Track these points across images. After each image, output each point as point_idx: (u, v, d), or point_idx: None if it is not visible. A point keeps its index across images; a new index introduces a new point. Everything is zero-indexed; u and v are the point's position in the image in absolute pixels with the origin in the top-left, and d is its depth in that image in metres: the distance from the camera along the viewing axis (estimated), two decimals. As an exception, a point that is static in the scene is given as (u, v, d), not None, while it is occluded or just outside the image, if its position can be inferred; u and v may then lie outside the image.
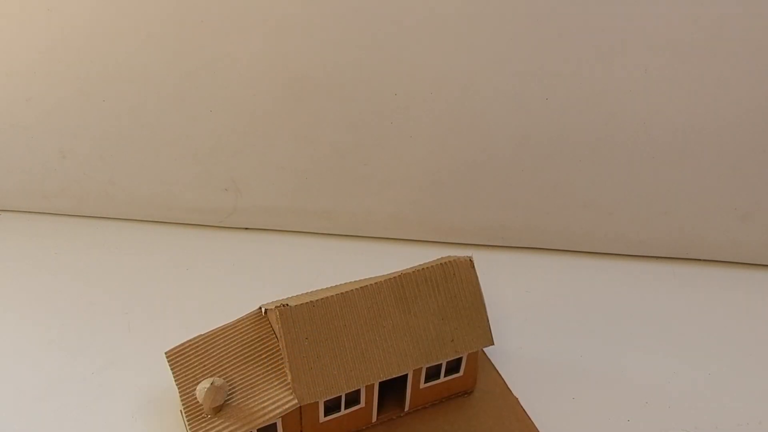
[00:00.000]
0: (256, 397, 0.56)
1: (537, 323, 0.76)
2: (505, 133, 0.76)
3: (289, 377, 0.55)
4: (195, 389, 0.56)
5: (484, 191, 0.81)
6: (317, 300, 0.56)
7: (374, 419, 0.62)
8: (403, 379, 0.60)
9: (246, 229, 0.90)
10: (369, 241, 0.88)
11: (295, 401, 0.54)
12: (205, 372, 0.58)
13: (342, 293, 0.57)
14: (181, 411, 0.59)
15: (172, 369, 0.60)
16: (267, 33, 0.71)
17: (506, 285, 0.80)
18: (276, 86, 0.75)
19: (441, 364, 0.61)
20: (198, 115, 0.78)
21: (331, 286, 0.64)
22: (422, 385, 0.62)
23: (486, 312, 0.60)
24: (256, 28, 0.71)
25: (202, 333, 0.62)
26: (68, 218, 0.91)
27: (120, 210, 0.90)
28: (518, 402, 0.65)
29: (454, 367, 0.62)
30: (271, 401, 0.55)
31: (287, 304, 0.55)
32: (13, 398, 0.67)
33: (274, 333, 0.60)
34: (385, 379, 0.57)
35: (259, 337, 0.61)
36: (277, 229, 0.89)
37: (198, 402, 0.55)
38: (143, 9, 0.71)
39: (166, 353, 0.61)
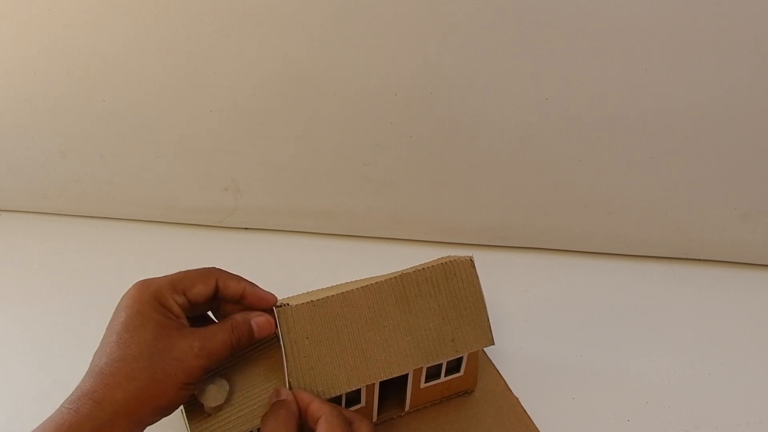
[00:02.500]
0: (256, 397, 0.56)
1: (537, 323, 0.76)
2: (505, 133, 0.76)
3: (290, 377, 0.55)
4: (195, 389, 0.56)
5: (484, 191, 0.81)
6: (318, 299, 0.56)
7: (374, 419, 0.62)
8: (404, 378, 0.60)
9: (246, 229, 0.90)
10: (369, 241, 0.88)
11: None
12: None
13: (343, 293, 0.57)
14: (181, 411, 0.59)
15: (172, 369, 0.60)
16: (267, 32, 0.71)
17: (506, 285, 0.80)
18: (276, 86, 0.75)
19: (441, 364, 0.61)
20: (198, 115, 0.78)
21: (332, 286, 0.63)
22: (423, 385, 0.61)
23: (486, 312, 0.60)
24: (255, 28, 0.71)
25: (203, 333, 0.61)
26: (68, 218, 0.91)
27: (120, 210, 0.90)
28: (519, 402, 0.65)
29: (454, 366, 0.62)
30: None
31: (287, 304, 0.55)
32: (13, 398, 0.66)
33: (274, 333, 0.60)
34: (385, 378, 0.57)
35: (259, 336, 0.60)
36: (277, 229, 0.89)
37: (198, 401, 0.55)
38: (143, 8, 0.71)
39: (166, 353, 0.61)
